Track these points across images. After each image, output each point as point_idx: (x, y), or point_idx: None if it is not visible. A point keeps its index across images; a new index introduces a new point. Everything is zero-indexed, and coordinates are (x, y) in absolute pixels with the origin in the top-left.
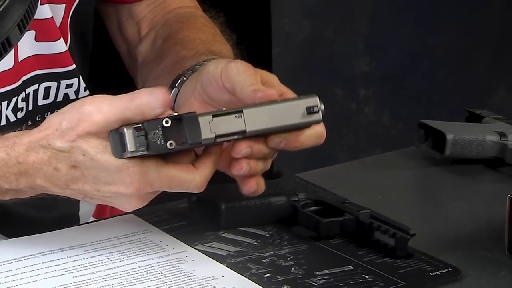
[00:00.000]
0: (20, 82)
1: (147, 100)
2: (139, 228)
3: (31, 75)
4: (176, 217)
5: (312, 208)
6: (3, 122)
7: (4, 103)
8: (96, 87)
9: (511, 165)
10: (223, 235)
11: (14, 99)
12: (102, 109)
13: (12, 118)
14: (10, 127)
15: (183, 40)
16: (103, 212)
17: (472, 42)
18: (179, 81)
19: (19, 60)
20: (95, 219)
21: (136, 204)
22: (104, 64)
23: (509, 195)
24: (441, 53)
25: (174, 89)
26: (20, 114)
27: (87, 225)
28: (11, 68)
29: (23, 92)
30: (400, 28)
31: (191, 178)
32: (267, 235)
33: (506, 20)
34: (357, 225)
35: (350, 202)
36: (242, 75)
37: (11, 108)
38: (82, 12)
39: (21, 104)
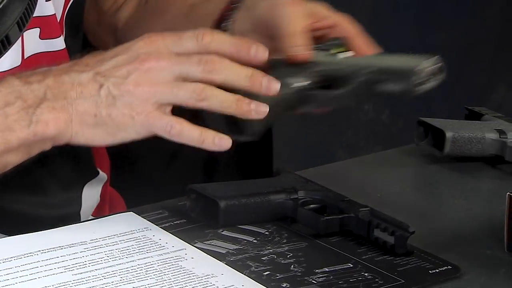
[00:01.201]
0: None
1: None
2: (138, 226)
3: None
4: (176, 215)
5: (311, 205)
6: None
7: None
8: None
9: (511, 163)
10: (222, 232)
11: None
12: None
13: None
14: None
15: None
16: (102, 211)
17: (472, 40)
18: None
19: (25, 58)
20: (94, 217)
21: (152, 83)
22: None
23: (508, 193)
24: (440, 51)
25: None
26: None
27: (86, 223)
28: (19, 66)
29: None
30: (400, 26)
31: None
32: (267, 232)
33: (506, 18)
34: (357, 222)
35: (350, 199)
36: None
37: None
38: (78, 6)
39: None
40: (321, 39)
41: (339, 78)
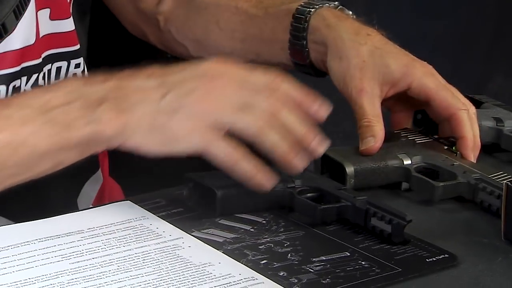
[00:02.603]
0: (40, 59)
1: None
2: (135, 215)
3: (48, 54)
4: (173, 204)
5: (308, 194)
6: None
7: (24, 78)
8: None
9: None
10: (219, 221)
11: (35, 76)
12: None
13: None
14: None
15: None
16: (102, 201)
17: (468, 29)
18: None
19: (40, 37)
20: (92, 206)
21: (205, 107)
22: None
23: (505, 182)
24: (437, 40)
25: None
26: None
27: (83, 212)
28: (33, 44)
29: (44, 69)
30: (397, 15)
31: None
32: (264, 221)
33: (503, 7)
34: (354, 211)
35: (347, 188)
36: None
37: (30, 85)
38: None
39: (41, 82)
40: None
41: (442, 173)
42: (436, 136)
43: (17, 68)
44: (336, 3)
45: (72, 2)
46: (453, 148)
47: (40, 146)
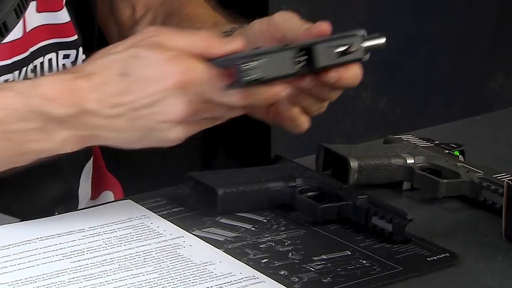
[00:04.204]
0: (28, 52)
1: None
2: (136, 214)
3: (40, 46)
4: (174, 203)
5: (309, 193)
6: None
7: (16, 73)
8: None
9: None
10: (220, 220)
11: (24, 70)
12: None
13: None
14: None
15: (190, 15)
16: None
17: (469, 27)
18: None
19: (27, 31)
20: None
21: (183, 109)
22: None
23: (506, 181)
24: (438, 38)
25: None
26: None
27: (84, 211)
28: (20, 38)
29: (32, 63)
30: (398, 13)
31: None
32: (265, 220)
33: (504, 6)
34: (355, 210)
35: (348, 187)
36: (290, 22)
37: (22, 79)
38: None
39: (31, 75)
40: None
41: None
42: (437, 142)
43: (8, 62)
44: None
45: None
46: (455, 152)
47: None
